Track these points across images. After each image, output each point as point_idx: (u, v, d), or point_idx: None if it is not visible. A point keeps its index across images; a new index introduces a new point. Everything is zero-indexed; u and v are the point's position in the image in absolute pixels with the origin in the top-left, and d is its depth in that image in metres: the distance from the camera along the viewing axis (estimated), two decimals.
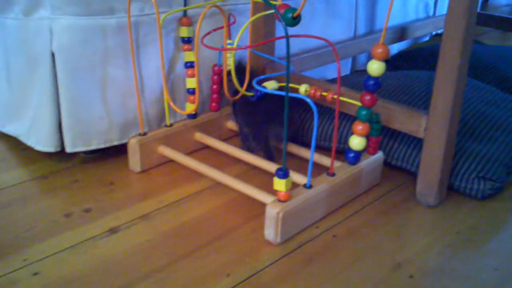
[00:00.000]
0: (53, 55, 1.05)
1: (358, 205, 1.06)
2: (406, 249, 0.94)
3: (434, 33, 2.14)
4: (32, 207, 1.03)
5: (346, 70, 1.74)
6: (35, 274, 0.84)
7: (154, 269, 0.86)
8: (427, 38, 2.14)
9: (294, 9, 0.81)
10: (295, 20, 0.81)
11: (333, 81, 1.41)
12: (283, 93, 0.84)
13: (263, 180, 1.13)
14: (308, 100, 0.87)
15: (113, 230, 0.96)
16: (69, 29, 1.03)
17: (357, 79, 1.39)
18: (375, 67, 0.94)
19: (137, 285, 0.83)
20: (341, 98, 1.06)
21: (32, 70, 1.09)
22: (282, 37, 0.81)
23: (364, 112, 0.98)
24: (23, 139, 1.19)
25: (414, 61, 1.72)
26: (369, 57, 1.82)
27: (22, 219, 0.99)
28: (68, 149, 1.12)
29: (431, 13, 1.98)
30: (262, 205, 0.97)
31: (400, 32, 1.75)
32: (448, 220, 1.02)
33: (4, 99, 1.20)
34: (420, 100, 1.21)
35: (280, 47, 1.36)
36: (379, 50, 0.92)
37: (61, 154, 1.17)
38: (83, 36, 1.04)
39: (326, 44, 1.50)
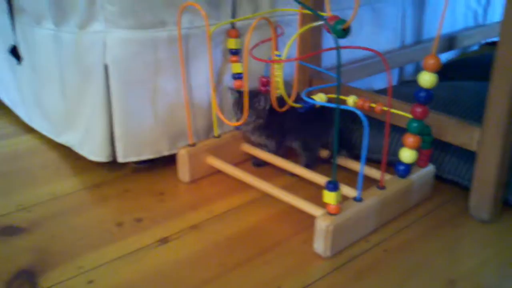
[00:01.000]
0: (106, 67, 1.08)
1: (409, 219, 1.05)
2: (460, 265, 0.91)
3: (483, 42, 2.09)
4: (86, 216, 1.05)
5: (393, 81, 1.72)
6: (90, 282, 0.86)
7: (205, 280, 0.87)
8: (476, 47, 2.09)
9: (344, 21, 0.81)
10: (345, 32, 0.81)
11: (380, 92, 1.39)
12: (333, 105, 0.84)
13: (310, 192, 1.13)
14: (358, 112, 0.86)
15: (163, 240, 0.98)
16: (122, 42, 1.05)
17: (405, 90, 1.37)
18: (427, 79, 0.92)
19: None
20: (391, 109, 1.05)
21: (85, 82, 1.12)
22: (333, 48, 0.81)
23: (415, 125, 0.97)
24: (77, 149, 1.23)
25: (464, 71, 1.68)
26: (417, 67, 1.79)
27: (77, 227, 1.01)
28: (120, 159, 1.15)
29: (480, 21, 1.94)
30: (311, 217, 0.97)
31: (449, 42, 1.72)
32: (504, 236, 0.99)
33: (59, 110, 1.24)
34: (471, 112, 1.18)
35: (325, 59, 1.35)
36: (431, 61, 0.91)
37: (112, 164, 1.20)
38: (136, 49, 1.06)
39: (373, 54, 1.48)
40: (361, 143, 1.25)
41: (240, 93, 1.15)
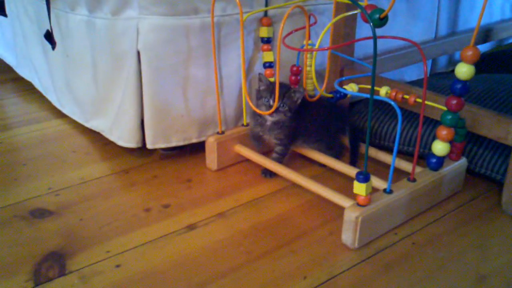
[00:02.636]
0: (138, 53, 1.08)
1: (439, 212, 1.03)
2: (490, 261, 0.89)
3: None
4: (114, 201, 1.06)
5: None
6: (117, 266, 0.87)
7: (231, 268, 0.87)
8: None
9: (382, 10, 0.79)
10: (383, 21, 0.79)
11: (412, 83, 1.37)
12: (367, 95, 0.82)
13: (338, 183, 1.12)
14: (393, 103, 0.85)
15: (191, 227, 0.98)
16: (155, 29, 1.05)
17: (438, 82, 1.34)
18: (464, 71, 0.90)
19: (214, 282, 0.84)
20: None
21: (117, 68, 1.12)
22: (369, 38, 0.79)
23: (449, 117, 0.94)
24: (106, 134, 1.24)
25: (499, 64, 1.64)
26: (450, 59, 1.76)
27: (105, 211, 1.02)
28: (149, 145, 1.15)
29: None
30: (339, 208, 0.96)
31: (485, 33, 1.67)
32: None
33: (89, 96, 1.25)
34: (508, 105, 1.16)
35: (357, 49, 1.33)
36: (470, 52, 0.88)
37: (140, 150, 1.21)
38: (168, 35, 1.06)
39: (406, 45, 1.46)
40: (386, 134, 1.23)
41: (271, 81, 1.12)
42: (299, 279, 0.84)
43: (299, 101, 1.08)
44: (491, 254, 0.91)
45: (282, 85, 1.08)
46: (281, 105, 1.06)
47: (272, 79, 1.18)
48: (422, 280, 0.85)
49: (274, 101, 1.05)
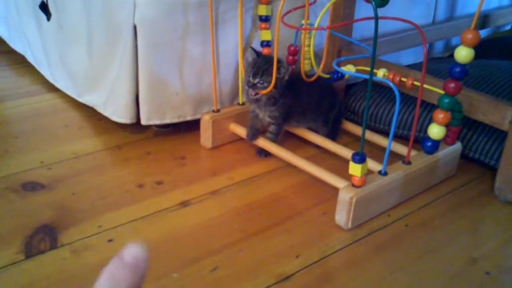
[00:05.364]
0: (135, 28, 1.06)
1: (432, 196, 1.03)
2: (482, 244, 0.90)
3: None
4: (107, 176, 1.05)
5: (422, 57, 1.68)
6: (109, 240, 0.87)
7: (224, 245, 0.87)
8: (508, 27, 2.03)
9: None
10: (384, 1, 0.78)
11: (409, 67, 1.36)
12: (366, 76, 0.82)
13: (332, 164, 1.11)
14: (392, 84, 0.84)
15: (184, 204, 0.97)
16: (153, 3, 1.03)
17: (435, 66, 1.33)
18: (464, 54, 0.89)
19: (206, 259, 0.83)
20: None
21: (113, 42, 1.11)
22: (370, 18, 0.78)
23: (447, 100, 0.94)
24: (100, 109, 1.22)
25: (496, 50, 1.64)
26: (446, 45, 1.75)
27: (98, 186, 1.01)
28: (143, 121, 1.14)
29: None
30: (333, 188, 0.96)
31: (482, 20, 1.67)
32: None
33: (83, 70, 1.23)
34: (504, 91, 1.15)
35: (354, 31, 1.32)
36: (470, 35, 0.88)
37: (134, 126, 1.20)
38: (166, 10, 1.04)
39: (403, 28, 1.45)
40: (381, 117, 1.23)
41: (258, 54, 1.07)
42: (292, 257, 0.85)
43: (286, 76, 1.04)
44: (483, 238, 0.92)
45: (264, 60, 1.04)
46: (260, 82, 1.02)
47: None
48: (414, 262, 0.85)
49: (252, 77, 1.02)
